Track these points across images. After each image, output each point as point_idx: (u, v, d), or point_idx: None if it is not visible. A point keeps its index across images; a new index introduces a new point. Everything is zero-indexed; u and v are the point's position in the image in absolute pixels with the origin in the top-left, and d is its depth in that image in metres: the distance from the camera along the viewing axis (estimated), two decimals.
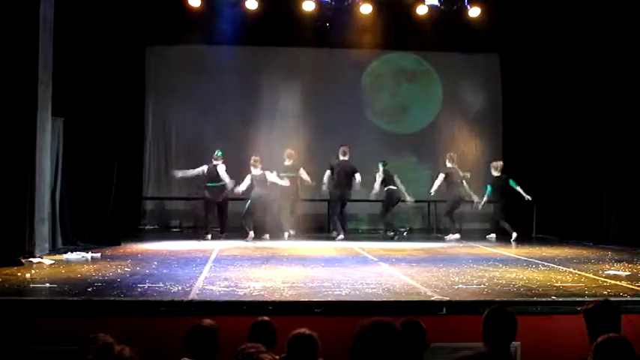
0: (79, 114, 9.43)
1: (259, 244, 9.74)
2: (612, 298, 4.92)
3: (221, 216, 11.16)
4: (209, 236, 10.67)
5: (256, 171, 10.89)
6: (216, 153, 11.05)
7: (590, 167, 11.03)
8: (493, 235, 11.45)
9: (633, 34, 10.05)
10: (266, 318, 4.09)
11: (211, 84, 13.36)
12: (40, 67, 7.94)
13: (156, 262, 7.67)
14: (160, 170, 13.73)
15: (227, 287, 5.88)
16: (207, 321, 3.92)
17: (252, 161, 10.93)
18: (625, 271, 7.32)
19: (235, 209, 11.15)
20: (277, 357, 3.57)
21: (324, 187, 11.44)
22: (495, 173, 11.64)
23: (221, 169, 10.94)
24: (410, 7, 11.86)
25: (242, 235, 10.58)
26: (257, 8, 11.67)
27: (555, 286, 6.25)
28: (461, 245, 10.29)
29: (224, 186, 10.90)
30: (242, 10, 11.68)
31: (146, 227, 13.24)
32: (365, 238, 11.54)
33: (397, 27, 12.56)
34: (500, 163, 11.73)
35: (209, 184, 10.97)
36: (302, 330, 3.58)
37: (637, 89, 10.12)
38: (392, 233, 11.54)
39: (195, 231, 12.30)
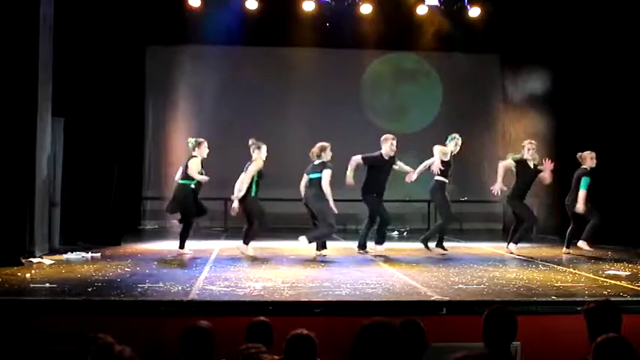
0: (79, 114, 9.43)
1: (259, 244, 9.70)
2: (612, 298, 4.92)
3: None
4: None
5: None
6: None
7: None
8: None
9: (634, 33, 10.07)
10: (262, 318, 4.08)
11: (211, 84, 13.38)
12: (40, 67, 7.93)
13: (156, 262, 7.68)
14: (159, 170, 13.74)
15: (227, 287, 5.88)
16: (203, 322, 3.91)
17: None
18: (625, 271, 7.32)
19: None
20: (276, 357, 3.57)
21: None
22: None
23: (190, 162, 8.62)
24: (410, 7, 11.87)
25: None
26: (257, 8, 11.67)
27: (555, 286, 6.25)
28: (461, 245, 10.29)
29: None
30: (242, 10, 11.68)
31: (146, 227, 13.25)
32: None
33: (397, 27, 12.56)
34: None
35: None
36: (300, 330, 3.57)
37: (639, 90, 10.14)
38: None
39: (196, 231, 12.29)
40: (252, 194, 8.50)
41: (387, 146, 8.98)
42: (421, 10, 11.89)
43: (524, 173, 9.01)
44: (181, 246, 8.74)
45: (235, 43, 12.95)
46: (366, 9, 11.78)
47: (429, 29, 12.42)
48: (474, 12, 11.82)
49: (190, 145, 8.76)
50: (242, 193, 8.41)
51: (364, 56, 13.74)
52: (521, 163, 9.00)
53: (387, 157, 8.98)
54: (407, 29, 12.59)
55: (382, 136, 9.18)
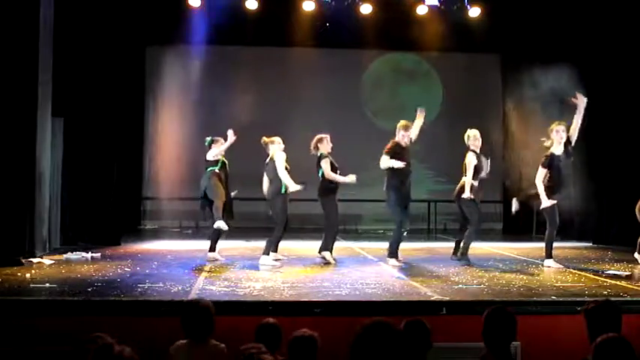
0: (79, 114, 9.45)
1: (260, 244, 9.69)
2: (612, 298, 4.92)
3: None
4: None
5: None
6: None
7: (590, 167, 11.02)
8: None
9: (634, 31, 10.07)
10: (272, 320, 4.06)
11: (211, 84, 13.37)
12: (40, 67, 7.93)
13: (156, 262, 7.68)
14: (159, 170, 13.74)
15: (227, 287, 5.89)
16: (204, 301, 4.05)
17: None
18: (625, 271, 7.32)
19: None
20: (280, 358, 3.56)
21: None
22: None
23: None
24: (410, 7, 11.86)
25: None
26: (256, 8, 11.67)
27: (555, 286, 6.25)
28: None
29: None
30: (242, 10, 11.68)
31: (146, 227, 13.26)
32: (365, 238, 11.52)
33: (397, 27, 12.56)
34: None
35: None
36: (302, 331, 3.57)
37: (638, 90, 10.14)
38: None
39: (196, 231, 12.32)
40: (283, 191, 7.75)
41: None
42: (421, 10, 11.88)
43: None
44: (211, 248, 8.15)
45: (235, 43, 12.95)
46: (366, 9, 11.78)
47: (428, 29, 12.41)
48: (474, 12, 11.81)
49: (206, 144, 8.27)
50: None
51: (364, 56, 13.74)
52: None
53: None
54: (407, 29, 12.59)
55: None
